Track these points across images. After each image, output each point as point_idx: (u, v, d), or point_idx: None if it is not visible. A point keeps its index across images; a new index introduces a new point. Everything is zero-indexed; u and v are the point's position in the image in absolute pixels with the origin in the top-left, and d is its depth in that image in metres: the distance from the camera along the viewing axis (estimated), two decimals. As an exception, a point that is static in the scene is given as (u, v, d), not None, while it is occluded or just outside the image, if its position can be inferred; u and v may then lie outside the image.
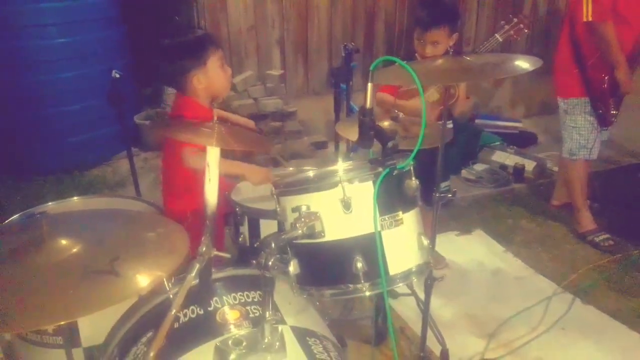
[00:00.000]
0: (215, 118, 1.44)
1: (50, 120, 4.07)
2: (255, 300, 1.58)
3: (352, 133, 2.17)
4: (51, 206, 2.04)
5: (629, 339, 2.53)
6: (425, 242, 1.49)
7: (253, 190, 2.12)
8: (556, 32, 3.59)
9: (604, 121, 3.12)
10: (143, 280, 1.26)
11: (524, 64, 1.71)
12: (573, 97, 3.14)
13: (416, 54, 2.78)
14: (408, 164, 1.43)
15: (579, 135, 3.17)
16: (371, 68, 1.39)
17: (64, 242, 1.39)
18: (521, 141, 4.55)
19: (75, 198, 2.08)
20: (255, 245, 1.94)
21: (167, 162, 2.35)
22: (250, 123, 2.54)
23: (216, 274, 1.64)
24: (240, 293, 1.62)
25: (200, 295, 1.39)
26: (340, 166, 1.67)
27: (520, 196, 3.84)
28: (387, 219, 1.42)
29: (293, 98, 4.51)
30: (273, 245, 1.30)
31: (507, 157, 4.09)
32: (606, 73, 3.00)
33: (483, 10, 4.93)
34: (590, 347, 2.47)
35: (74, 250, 1.37)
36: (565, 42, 3.12)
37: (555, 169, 3.98)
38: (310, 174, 1.71)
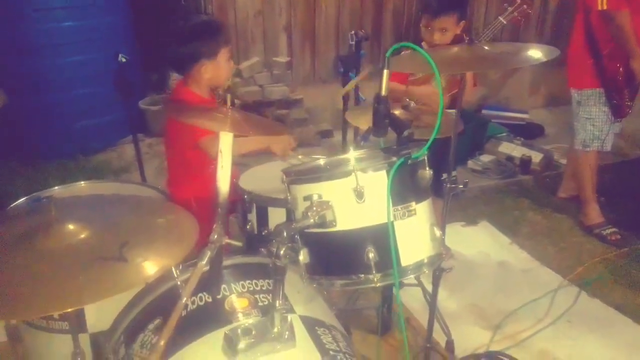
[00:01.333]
0: (229, 101, 1.41)
1: (56, 105, 4.05)
2: (264, 288, 1.57)
3: (362, 121, 2.15)
4: (57, 190, 2.02)
5: (635, 333, 2.52)
6: (438, 233, 1.48)
7: (261, 177, 2.10)
8: (567, 23, 3.53)
9: (618, 112, 3.08)
10: (152, 267, 1.25)
11: (539, 53, 1.68)
12: (587, 88, 3.10)
13: (422, 42, 2.75)
14: (423, 153, 1.40)
15: (593, 126, 3.13)
16: (387, 54, 1.37)
17: (72, 227, 1.37)
18: (528, 133, 4.51)
19: (82, 183, 2.06)
20: (263, 234, 1.92)
21: (170, 149, 2.33)
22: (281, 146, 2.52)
23: (224, 262, 1.63)
24: (248, 281, 1.61)
25: (209, 282, 1.37)
26: (353, 154, 1.66)
27: (527, 188, 3.81)
28: (400, 209, 1.40)
29: (299, 85, 4.47)
30: (285, 234, 1.28)
31: (513, 149, 4.06)
32: (621, 63, 2.96)
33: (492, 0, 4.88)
34: (596, 341, 2.46)
35: (83, 235, 1.35)
36: (578, 32, 3.07)
37: (562, 161, 3.96)
38: (322, 162, 1.70)
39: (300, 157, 2.26)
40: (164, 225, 1.45)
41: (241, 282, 1.59)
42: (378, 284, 1.40)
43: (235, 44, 4.25)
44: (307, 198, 1.41)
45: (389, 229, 1.37)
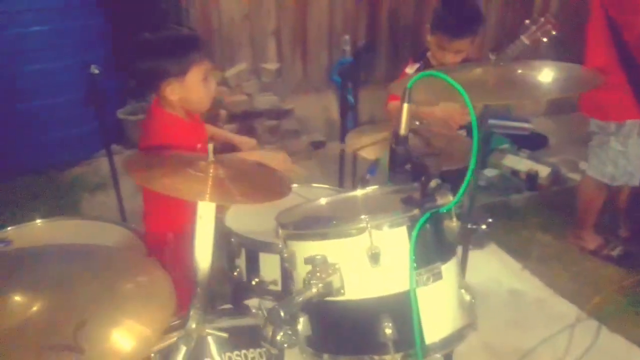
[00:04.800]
0: (211, 153, 1.13)
1: (25, 116, 3.73)
2: (256, 361, 1.31)
3: (367, 149, 1.88)
4: (11, 231, 1.72)
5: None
6: (467, 297, 1.23)
7: (252, 214, 1.82)
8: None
9: None
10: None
11: (580, 79, 1.42)
12: (629, 119, 2.68)
13: (428, 54, 2.51)
14: (454, 204, 1.15)
15: (627, 160, 2.76)
16: (408, 85, 1.10)
17: (18, 299, 1.09)
18: (531, 143, 4.27)
19: (38, 221, 1.75)
20: (254, 283, 1.64)
21: None
22: (250, 143, 2.20)
23: (208, 326, 1.36)
24: (237, 352, 1.35)
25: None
26: (360, 200, 1.40)
27: (534, 205, 3.57)
28: (423, 273, 1.14)
29: (290, 93, 4.19)
30: (282, 314, 1.01)
31: (519, 162, 3.81)
32: None
33: (491, 3, 4.63)
34: (624, 387, 2.23)
35: (33, 309, 1.06)
36: (613, 58, 2.58)
37: (570, 175, 3.73)
38: (322, 203, 1.43)
39: (295, 186, 1.98)
40: (133, 293, 1.17)
41: (228, 354, 1.33)
42: (397, 367, 1.14)
43: (221, 50, 3.96)
44: (310, 260, 1.15)
45: (412, 299, 1.11)
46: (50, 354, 0.99)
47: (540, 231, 3.30)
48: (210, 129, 2.25)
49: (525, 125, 4.48)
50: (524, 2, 4.64)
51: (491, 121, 4.41)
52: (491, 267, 2.98)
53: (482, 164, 3.82)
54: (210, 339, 1.35)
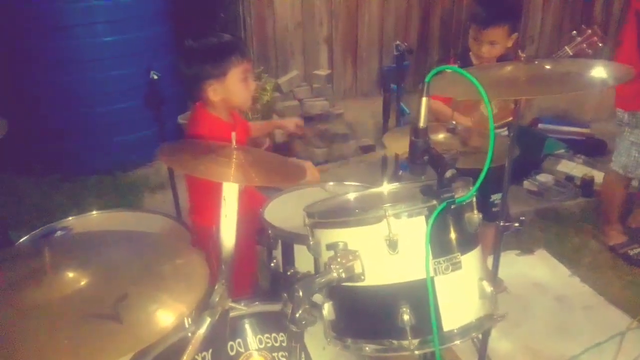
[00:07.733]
0: (234, 141, 1.21)
1: (96, 120, 4.00)
2: (285, 344, 1.38)
3: (401, 146, 1.92)
4: (72, 221, 1.89)
5: None
6: (488, 289, 1.24)
7: (289, 208, 1.91)
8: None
9: None
10: (147, 332, 1.07)
11: (610, 74, 1.42)
12: None
13: (470, 53, 2.52)
14: (470, 196, 1.18)
15: (638, 153, 2.79)
16: (426, 79, 1.15)
17: (70, 274, 1.21)
18: (589, 149, 4.14)
19: (94, 212, 1.93)
20: (289, 274, 1.72)
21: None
22: (291, 123, 2.35)
23: (241, 310, 1.45)
24: (267, 335, 1.43)
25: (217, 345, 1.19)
26: (386, 193, 1.45)
27: (589, 212, 3.46)
28: (442, 262, 1.18)
29: (340, 99, 4.28)
30: (301, 294, 1.08)
31: (574, 168, 3.71)
32: None
33: (549, 6, 4.54)
34: (674, 398, 2.14)
35: (81, 283, 1.19)
36: (632, 47, 2.65)
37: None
38: (352, 197, 1.49)
39: (331, 184, 2.06)
40: (170, 273, 1.27)
41: (259, 336, 1.42)
42: (415, 352, 1.18)
43: (275, 57, 4.11)
44: (331, 247, 1.21)
45: (428, 287, 1.15)
46: (92, 321, 1.10)
47: (594, 239, 3.20)
48: (256, 125, 2.36)
49: (582, 130, 4.35)
50: (583, 8, 4.53)
51: (546, 125, 4.33)
52: (539, 272, 2.93)
53: (536, 169, 3.76)
54: (246, 321, 1.45)
